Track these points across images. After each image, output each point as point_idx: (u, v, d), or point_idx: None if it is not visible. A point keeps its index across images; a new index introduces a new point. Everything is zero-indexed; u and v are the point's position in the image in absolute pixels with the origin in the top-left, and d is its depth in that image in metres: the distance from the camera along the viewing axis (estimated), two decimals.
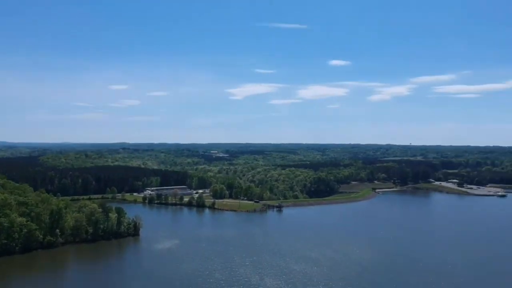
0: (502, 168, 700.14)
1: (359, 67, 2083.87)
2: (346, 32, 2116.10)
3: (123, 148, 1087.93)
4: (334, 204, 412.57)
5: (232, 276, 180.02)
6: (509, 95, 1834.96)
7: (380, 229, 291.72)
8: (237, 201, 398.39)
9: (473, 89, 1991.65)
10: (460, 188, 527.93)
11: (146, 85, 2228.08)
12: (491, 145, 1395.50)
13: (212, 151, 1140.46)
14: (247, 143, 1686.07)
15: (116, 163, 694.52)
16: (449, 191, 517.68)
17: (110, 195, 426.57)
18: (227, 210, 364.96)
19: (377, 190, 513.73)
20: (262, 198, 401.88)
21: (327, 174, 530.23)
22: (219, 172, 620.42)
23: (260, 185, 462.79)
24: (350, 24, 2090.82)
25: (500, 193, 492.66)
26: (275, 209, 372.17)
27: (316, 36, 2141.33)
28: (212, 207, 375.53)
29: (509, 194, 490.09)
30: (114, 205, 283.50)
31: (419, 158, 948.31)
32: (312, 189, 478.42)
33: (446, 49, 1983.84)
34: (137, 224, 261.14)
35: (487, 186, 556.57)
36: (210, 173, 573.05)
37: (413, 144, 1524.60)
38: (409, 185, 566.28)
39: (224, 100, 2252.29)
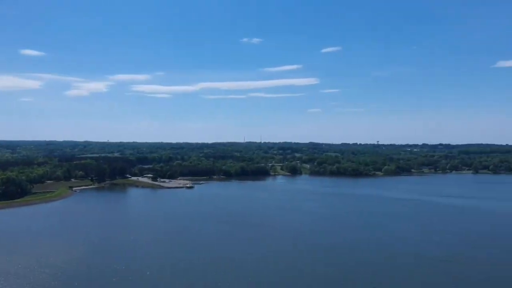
0: (190, 162, 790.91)
1: (55, 59, 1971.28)
2: (40, 20, 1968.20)
3: None
4: (27, 206, 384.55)
5: None
6: (197, 97, 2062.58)
7: (77, 228, 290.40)
8: None
9: (166, 90, 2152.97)
10: (154, 182, 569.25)
11: None
12: (181, 141, 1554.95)
13: None
14: None
15: None
16: (144, 185, 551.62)
17: None
18: None
19: (74, 189, 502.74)
20: None
21: (18, 173, 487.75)
22: None
23: None
24: (46, 11, 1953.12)
25: (188, 185, 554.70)
26: None
27: (4, 22, 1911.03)
28: None
29: (196, 185, 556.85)
30: None
31: (116, 154, 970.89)
32: (0, 191, 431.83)
33: (142, 50, 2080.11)
34: None
35: (178, 179, 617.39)
36: None
37: (110, 141, 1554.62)
38: (107, 182, 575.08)
39: None
